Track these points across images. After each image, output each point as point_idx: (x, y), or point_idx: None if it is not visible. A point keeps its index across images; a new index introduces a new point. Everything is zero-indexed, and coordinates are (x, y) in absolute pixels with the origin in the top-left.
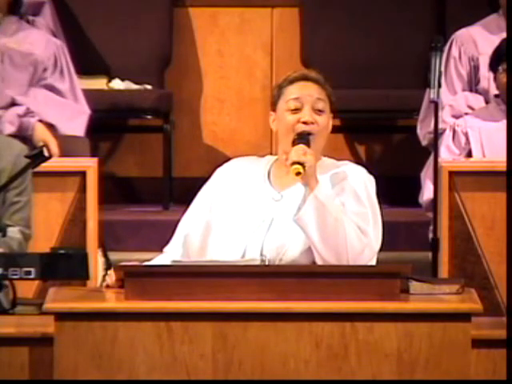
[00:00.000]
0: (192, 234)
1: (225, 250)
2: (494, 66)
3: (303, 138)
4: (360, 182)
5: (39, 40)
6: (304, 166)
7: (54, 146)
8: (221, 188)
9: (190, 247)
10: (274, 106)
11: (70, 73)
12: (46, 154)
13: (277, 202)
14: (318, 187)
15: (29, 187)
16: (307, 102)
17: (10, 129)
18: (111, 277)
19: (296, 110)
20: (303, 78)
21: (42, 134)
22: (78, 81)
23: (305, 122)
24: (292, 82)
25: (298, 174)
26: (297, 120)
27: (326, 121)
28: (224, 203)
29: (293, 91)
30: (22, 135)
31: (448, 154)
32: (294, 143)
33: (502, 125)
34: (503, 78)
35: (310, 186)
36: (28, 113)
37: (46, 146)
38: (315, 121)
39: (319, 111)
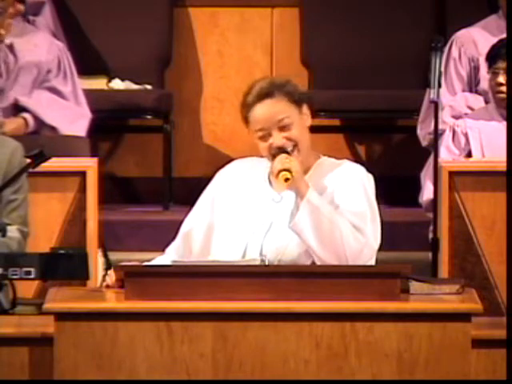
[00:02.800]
0: (194, 236)
1: (225, 251)
2: (488, 68)
3: (283, 151)
4: (358, 181)
5: (43, 42)
6: (291, 172)
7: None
8: (223, 190)
9: (193, 248)
10: (245, 122)
11: (72, 76)
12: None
13: (277, 204)
14: (309, 191)
15: (25, 184)
16: (272, 128)
17: None
18: (111, 277)
19: (265, 137)
20: (258, 99)
21: None
22: (80, 84)
23: (278, 147)
24: (251, 105)
25: (287, 180)
26: (269, 146)
27: (297, 130)
28: (226, 205)
29: (255, 119)
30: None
31: (448, 155)
32: (275, 156)
33: (501, 125)
34: (493, 78)
35: (301, 190)
36: None
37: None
38: (287, 138)
39: (285, 127)
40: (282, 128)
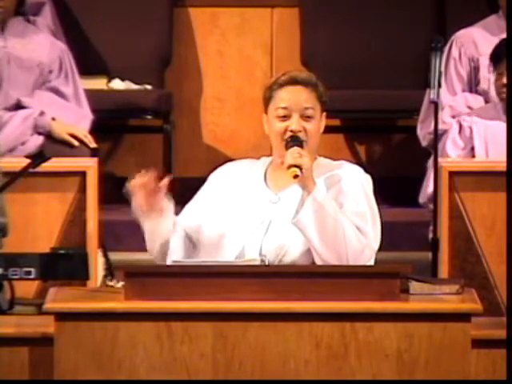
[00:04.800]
0: (187, 241)
1: (223, 252)
2: (492, 68)
3: (296, 141)
4: (357, 182)
5: (44, 42)
6: (301, 169)
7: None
8: (217, 192)
9: (185, 253)
10: (265, 108)
11: (74, 77)
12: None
13: (274, 204)
14: (315, 189)
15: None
16: (295, 111)
17: (28, 132)
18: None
19: (284, 118)
20: (292, 82)
21: (61, 130)
22: (81, 85)
23: (292, 131)
24: (281, 85)
25: (296, 176)
26: (285, 128)
27: (315, 126)
28: (221, 207)
29: (282, 98)
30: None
31: (453, 148)
32: (288, 146)
33: (502, 123)
34: (496, 80)
35: (308, 187)
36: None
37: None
38: (303, 128)
39: (308, 117)
40: (304, 117)
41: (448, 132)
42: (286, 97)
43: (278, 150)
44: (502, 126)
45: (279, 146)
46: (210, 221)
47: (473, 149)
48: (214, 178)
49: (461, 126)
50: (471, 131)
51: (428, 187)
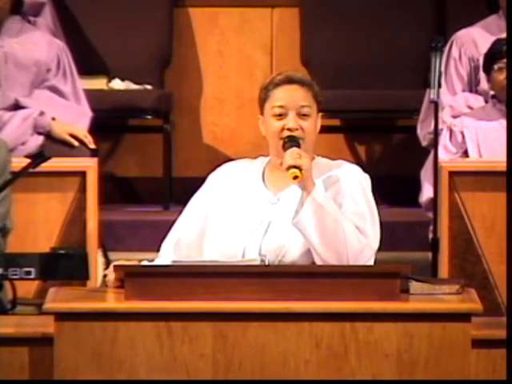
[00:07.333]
0: (187, 241)
1: (223, 254)
2: (487, 66)
3: (293, 141)
4: (356, 182)
5: (42, 41)
6: (301, 170)
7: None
8: (215, 194)
9: (187, 254)
10: (261, 109)
11: (72, 75)
12: (46, 154)
13: (273, 205)
14: (315, 189)
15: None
16: (292, 109)
17: (28, 132)
18: (110, 273)
19: (281, 116)
20: (288, 81)
21: (61, 130)
22: (80, 83)
23: (289, 129)
24: (277, 85)
25: (296, 177)
26: (282, 126)
27: (311, 125)
28: (220, 208)
29: (278, 96)
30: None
31: (445, 154)
32: (285, 146)
33: (499, 124)
34: (499, 76)
35: (307, 188)
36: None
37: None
38: (300, 127)
39: (304, 116)
40: (301, 115)
41: (439, 137)
42: (283, 96)
43: (275, 150)
44: (494, 127)
45: (277, 147)
46: (211, 226)
47: (465, 152)
48: (211, 181)
49: (451, 132)
50: (463, 136)
51: (424, 194)
